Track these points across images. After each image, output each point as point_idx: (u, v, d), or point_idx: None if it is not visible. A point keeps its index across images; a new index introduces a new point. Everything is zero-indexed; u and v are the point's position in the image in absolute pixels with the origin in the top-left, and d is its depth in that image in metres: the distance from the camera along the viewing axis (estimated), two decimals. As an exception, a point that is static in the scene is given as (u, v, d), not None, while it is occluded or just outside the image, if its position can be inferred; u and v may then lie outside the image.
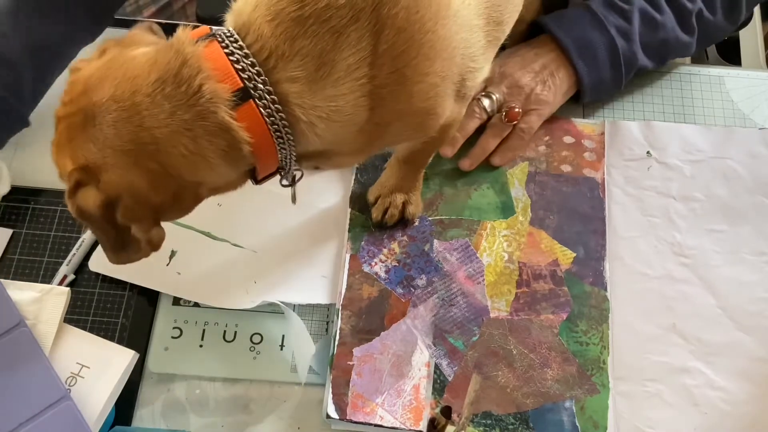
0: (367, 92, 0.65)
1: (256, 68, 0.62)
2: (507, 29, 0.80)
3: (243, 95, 0.62)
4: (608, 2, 0.95)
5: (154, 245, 0.67)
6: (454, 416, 0.81)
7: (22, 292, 0.77)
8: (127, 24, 1.03)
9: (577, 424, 0.82)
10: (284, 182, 0.72)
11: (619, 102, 1.00)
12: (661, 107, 1.00)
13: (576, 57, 0.93)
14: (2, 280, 0.77)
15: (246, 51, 0.62)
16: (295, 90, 0.63)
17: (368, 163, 0.94)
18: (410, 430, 0.80)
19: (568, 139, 0.96)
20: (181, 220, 0.89)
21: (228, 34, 0.63)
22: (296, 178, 0.73)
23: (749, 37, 1.42)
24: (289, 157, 0.67)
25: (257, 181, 0.69)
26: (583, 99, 0.96)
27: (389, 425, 0.80)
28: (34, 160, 0.93)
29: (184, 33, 0.64)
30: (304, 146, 0.67)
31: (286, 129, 0.64)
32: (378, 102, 0.66)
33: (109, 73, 0.63)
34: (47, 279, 0.87)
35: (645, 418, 0.83)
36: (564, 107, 0.97)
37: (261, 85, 0.62)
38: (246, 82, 0.62)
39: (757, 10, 1.42)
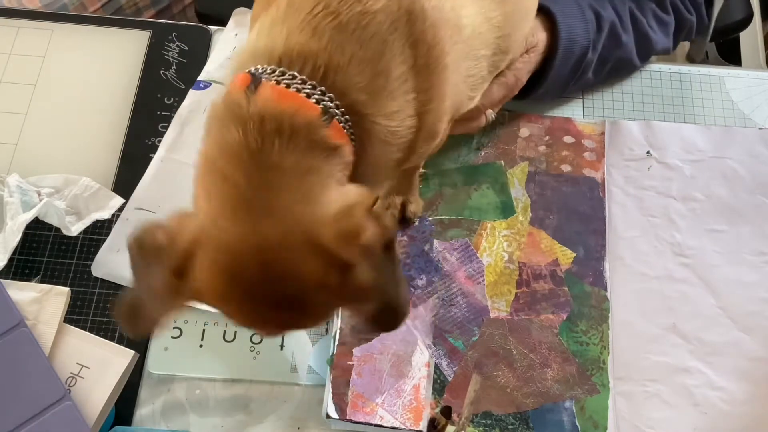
0: (414, 111, 0.63)
1: (319, 89, 0.60)
2: (509, 58, 0.80)
3: (327, 116, 0.59)
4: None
5: None
6: (454, 416, 0.81)
7: (22, 292, 0.77)
8: (126, 24, 1.04)
9: (577, 424, 0.82)
10: None
11: (619, 102, 1.00)
12: (661, 107, 0.99)
13: (561, 52, 0.90)
14: (2, 280, 0.77)
15: (302, 77, 0.60)
16: (362, 99, 0.61)
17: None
18: (410, 430, 0.80)
19: (568, 139, 0.96)
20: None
21: (271, 71, 0.60)
22: None
23: (749, 37, 1.42)
24: None
25: None
26: (534, 91, 0.93)
27: (389, 425, 0.80)
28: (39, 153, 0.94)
29: (233, 93, 0.59)
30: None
31: (352, 138, 0.62)
32: (419, 124, 0.64)
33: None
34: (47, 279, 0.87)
35: (645, 418, 0.83)
36: (564, 107, 0.98)
37: (329, 102, 0.60)
38: (321, 104, 0.59)
39: (757, 10, 1.42)
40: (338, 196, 0.59)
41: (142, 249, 0.59)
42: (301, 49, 0.60)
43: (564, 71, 0.92)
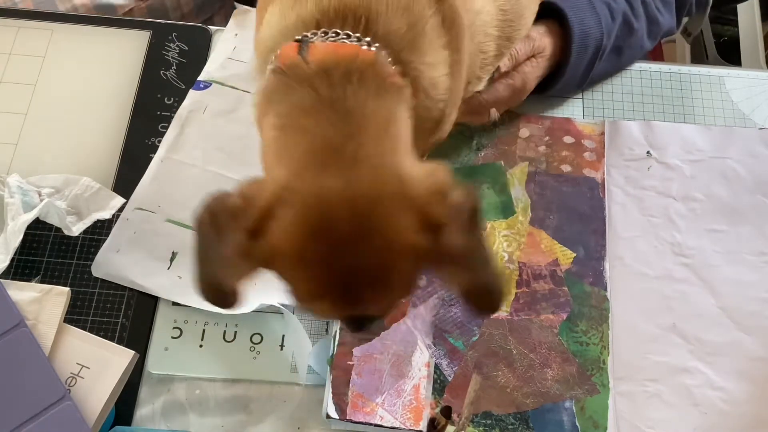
0: (449, 69, 0.64)
1: (365, 39, 0.59)
2: (513, 47, 0.80)
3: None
4: None
5: None
6: (454, 416, 0.81)
7: (22, 292, 0.77)
8: (126, 24, 1.04)
9: (577, 424, 0.82)
10: None
11: (619, 102, 1.00)
12: (661, 107, 0.99)
13: (576, 48, 0.90)
14: (2, 280, 0.77)
15: (346, 32, 0.59)
16: (405, 45, 0.61)
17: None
18: (410, 430, 0.80)
19: (568, 139, 0.96)
20: (181, 220, 0.90)
21: (313, 34, 0.60)
22: None
23: (749, 37, 1.42)
24: None
25: None
26: (549, 88, 0.94)
27: (389, 425, 0.80)
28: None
29: (286, 62, 0.58)
30: None
31: None
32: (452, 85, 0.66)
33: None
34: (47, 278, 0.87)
35: (645, 418, 0.83)
36: (564, 107, 0.98)
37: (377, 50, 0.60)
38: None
39: (757, 9, 1.42)
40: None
41: (215, 217, 0.54)
42: (337, 5, 0.59)
43: (581, 64, 0.92)
